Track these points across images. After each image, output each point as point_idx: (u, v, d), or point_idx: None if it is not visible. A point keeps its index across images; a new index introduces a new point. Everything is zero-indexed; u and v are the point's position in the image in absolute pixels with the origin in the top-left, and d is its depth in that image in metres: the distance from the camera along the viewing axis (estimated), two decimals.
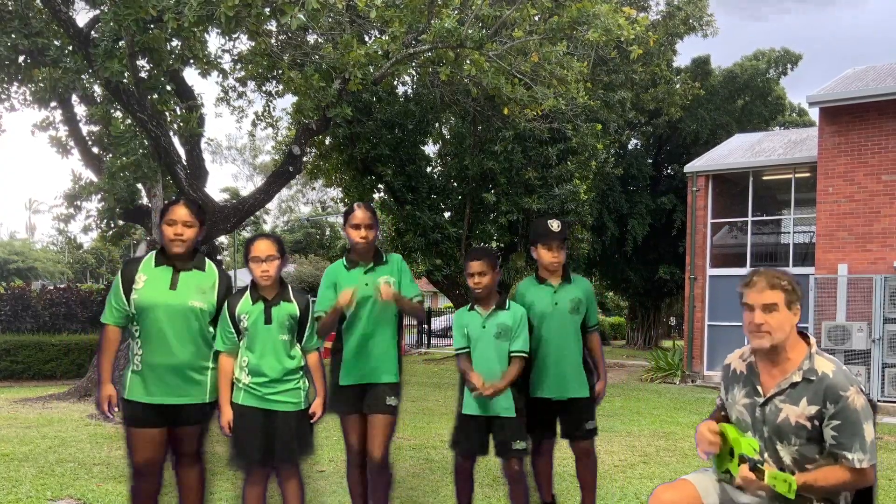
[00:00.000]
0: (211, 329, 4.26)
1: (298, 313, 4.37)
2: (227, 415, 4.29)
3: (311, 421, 4.41)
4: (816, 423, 3.01)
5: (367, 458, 4.73)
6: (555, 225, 4.89)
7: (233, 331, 4.31)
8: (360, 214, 4.67)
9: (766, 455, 3.11)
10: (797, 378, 3.07)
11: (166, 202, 4.30)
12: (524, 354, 4.77)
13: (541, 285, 5.02)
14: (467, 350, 4.84)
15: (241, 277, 40.89)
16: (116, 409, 4.26)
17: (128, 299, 4.17)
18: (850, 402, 2.95)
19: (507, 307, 4.83)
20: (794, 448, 3.06)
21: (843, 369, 3.05)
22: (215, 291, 4.27)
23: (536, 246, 4.99)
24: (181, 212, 4.18)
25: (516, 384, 4.75)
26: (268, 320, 4.28)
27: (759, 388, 3.18)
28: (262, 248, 4.30)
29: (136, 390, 4.17)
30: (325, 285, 4.77)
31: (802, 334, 3.18)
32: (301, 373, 4.37)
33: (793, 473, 3.00)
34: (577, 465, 5.12)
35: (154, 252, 4.31)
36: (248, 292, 4.37)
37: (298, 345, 4.40)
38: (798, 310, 3.12)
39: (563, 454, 5.61)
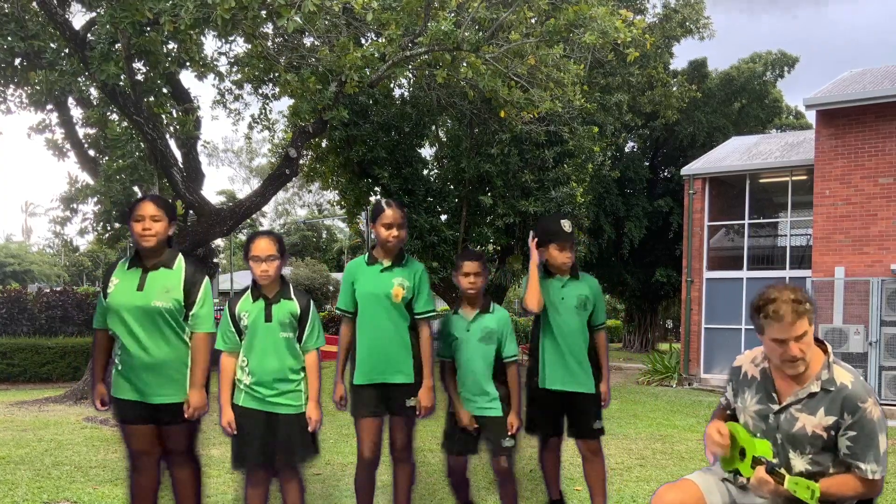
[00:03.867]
0: (185, 327, 4.25)
1: (299, 311, 4.33)
2: (227, 415, 4.27)
3: (309, 428, 4.34)
4: (832, 432, 3.00)
5: (391, 450, 4.74)
6: (567, 225, 4.92)
7: (233, 330, 4.30)
8: (391, 213, 4.62)
9: (777, 462, 3.10)
10: (815, 388, 3.04)
11: (132, 201, 4.33)
12: (516, 358, 4.85)
13: (549, 279, 5.02)
14: (451, 360, 4.88)
15: (238, 280, 40.82)
16: (107, 407, 4.35)
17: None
18: (867, 414, 2.94)
19: (491, 311, 4.85)
20: (807, 457, 3.06)
21: (861, 380, 3.03)
22: (181, 287, 4.23)
23: (547, 245, 4.95)
24: (147, 207, 4.18)
25: (504, 381, 4.80)
26: (268, 318, 4.26)
27: (774, 395, 3.15)
28: (262, 247, 4.27)
29: (119, 388, 4.23)
30: (345, 280, 4.81)
31: (819, 341, 3.13)
32: (303, 374, 4.34)
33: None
34: (585, 466, 5.12)
35: (129, 256, 4.34)
36: (248, 292, 4.36)
37: (298, 344, 4.37)
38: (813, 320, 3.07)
39: (564, 456, 5.60)
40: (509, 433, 4.74)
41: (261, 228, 49.80)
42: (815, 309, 3.02)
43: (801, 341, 2.96)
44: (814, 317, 3.01)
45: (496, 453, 4.78)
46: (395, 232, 4.61)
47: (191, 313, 4.25)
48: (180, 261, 4.31)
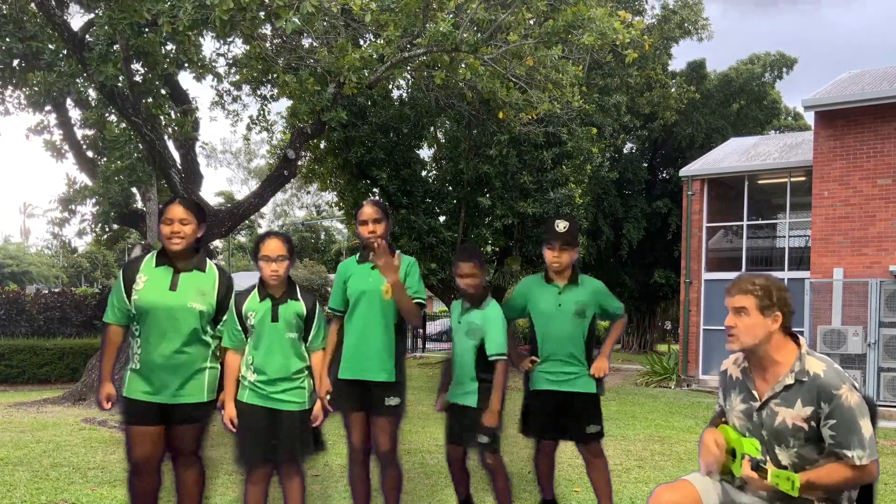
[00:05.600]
0: (210, 329, 4.27)
1: (305, 312, 4.38)
2: (230, 411, 4.29)
3: (314, 425, 4.41)
4: (813, 423, 3.02)
5: (375, 454, 4.75)
6: (560, 225, 4.84)
7: (240, 328, 4.32)
8: (366, 210, 4.68)
9: (766, 458, 3.13)
10: (790, 380, 3.08)
11: (164, 202, 4.35)
12: (502, 357, 4.72)
13: (546, 284, 4.99)
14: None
15: (237, 282, 40.75)
16: (111, 406, 4.29)
17: (129, 299, 4.21)
18: (843, 401, 2.95)
19: (482, 307, 4.85)
20: (793, 451, 3.07)
21: (835, 367, 3.06)
22: (215, 292, 4.29)
23: (544, 245, 4.97)
24: (177, 210, 4.21)
25: (488, 381, 4.74)
26: (275, 318, 4.30)
27: (754, 392, 3.20)
28: (273, 247, 4.32)
29: (134, 388, 4.20)
30: (337, 280, 4.86)
31: (793, 336, 3.18)
32: (306, 372, 4.40)
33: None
34: (587, 469, 5.09)
35: (155, 252, 4.34)
36: (255, 290, 4.39)
37: (304, 344, 4.41)
38: (778, 316, 3.10)
39: (563, 457, 5.60)
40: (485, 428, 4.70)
41: (260, 230, 49.94)
42: (771, 302, 3.11)
43: (739, 317, 3.14)
44: (771, 310, 3.10)
45: (472, 445, 4.82)
46: (370, 227, 4.63)
47: (224, 318, 4.33)
48: (211, 266, 4.37)
